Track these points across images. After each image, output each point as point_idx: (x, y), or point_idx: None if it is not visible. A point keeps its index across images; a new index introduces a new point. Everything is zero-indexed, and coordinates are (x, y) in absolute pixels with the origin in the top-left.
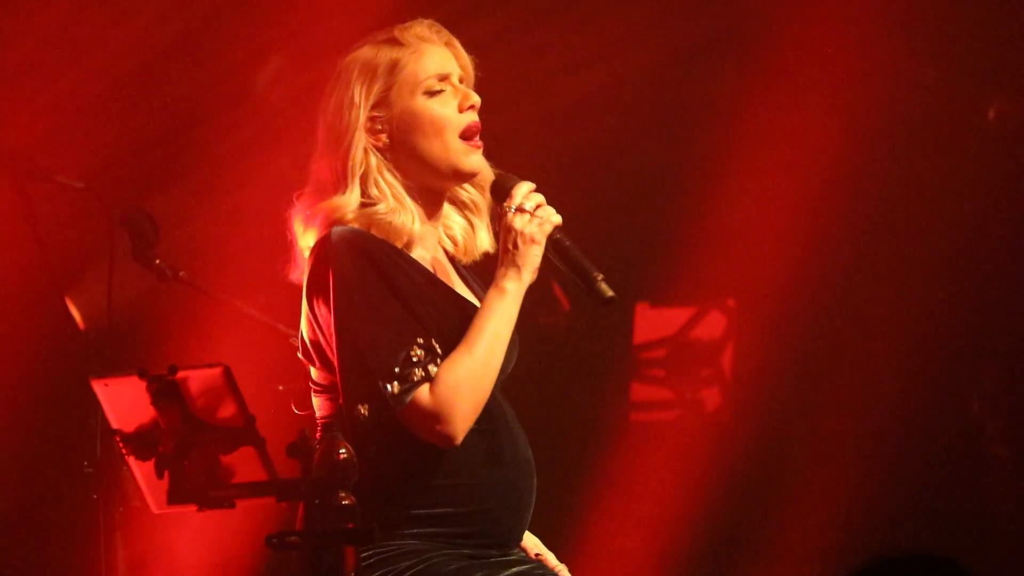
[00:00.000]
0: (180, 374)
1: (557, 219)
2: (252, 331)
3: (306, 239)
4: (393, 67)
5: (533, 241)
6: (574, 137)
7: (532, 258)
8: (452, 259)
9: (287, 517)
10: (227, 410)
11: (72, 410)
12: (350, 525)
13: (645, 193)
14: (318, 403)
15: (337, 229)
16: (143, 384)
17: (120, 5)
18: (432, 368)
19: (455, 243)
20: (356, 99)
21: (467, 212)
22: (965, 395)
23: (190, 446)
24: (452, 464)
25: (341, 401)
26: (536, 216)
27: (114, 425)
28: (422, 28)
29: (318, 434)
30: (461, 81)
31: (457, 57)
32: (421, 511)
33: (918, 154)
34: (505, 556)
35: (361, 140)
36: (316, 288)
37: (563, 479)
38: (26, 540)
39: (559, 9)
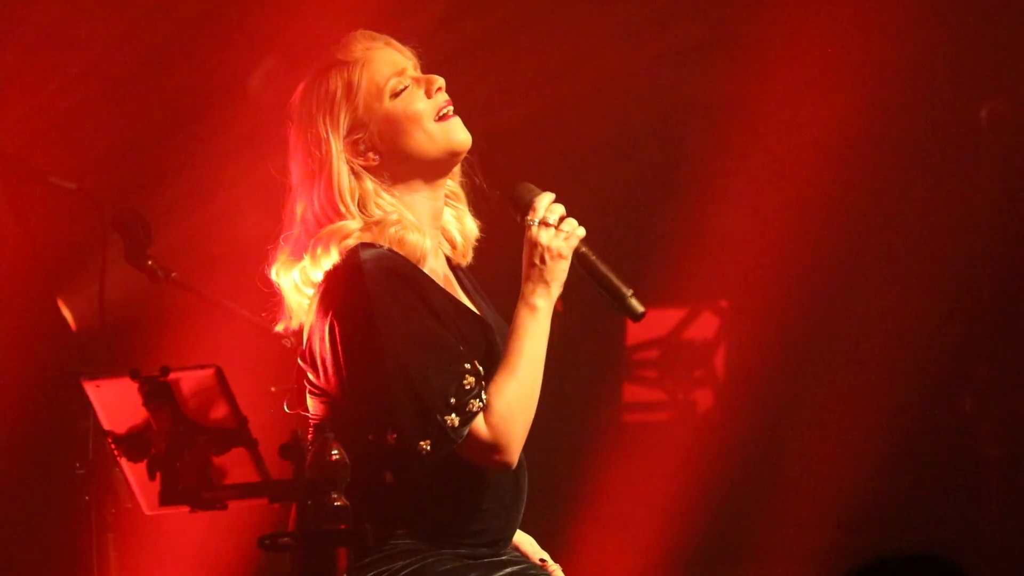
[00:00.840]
0: (172, 375)
1: (582, 232)
2: (244, 332)
3: (315, 269)
4: (349, 88)
5: (560, 256)
6: (566, 138)
7: (560, 273)
8: (452, 266)
9: (280, 518)
10: (219, 411)
11: (64, 411)
12: (343, 526)
13: (637, 194)
14: (313, 404)
15: (365, 253)
16: (135, 385)
17: (110, 6)
18: (484, 395)
19: (453, 245)
20: (322, 133)
21: (450, 201)
22: (958, 395)
23: (182, 447)
24: (446, 465)
25: (391, 437)
26: (561, 230)
27: (106, 426)
28: (359, 40)
29: (310, 435)
30: (416, 70)
31: (401, 52)
32: (415, 511)
33: (911, 155)
34: (497, 556)
35: (343, 168)
36: (343, 314)
37: (556, 479)
38: (18, 541)
39: (554, 8)
